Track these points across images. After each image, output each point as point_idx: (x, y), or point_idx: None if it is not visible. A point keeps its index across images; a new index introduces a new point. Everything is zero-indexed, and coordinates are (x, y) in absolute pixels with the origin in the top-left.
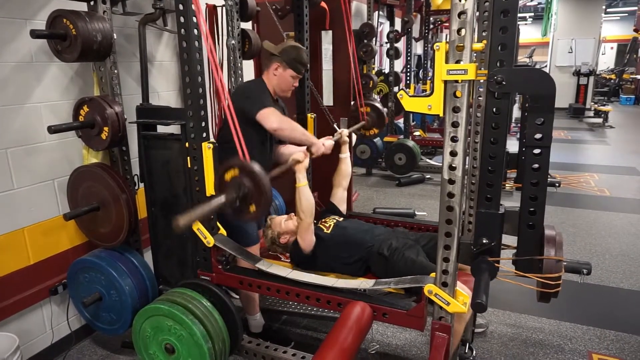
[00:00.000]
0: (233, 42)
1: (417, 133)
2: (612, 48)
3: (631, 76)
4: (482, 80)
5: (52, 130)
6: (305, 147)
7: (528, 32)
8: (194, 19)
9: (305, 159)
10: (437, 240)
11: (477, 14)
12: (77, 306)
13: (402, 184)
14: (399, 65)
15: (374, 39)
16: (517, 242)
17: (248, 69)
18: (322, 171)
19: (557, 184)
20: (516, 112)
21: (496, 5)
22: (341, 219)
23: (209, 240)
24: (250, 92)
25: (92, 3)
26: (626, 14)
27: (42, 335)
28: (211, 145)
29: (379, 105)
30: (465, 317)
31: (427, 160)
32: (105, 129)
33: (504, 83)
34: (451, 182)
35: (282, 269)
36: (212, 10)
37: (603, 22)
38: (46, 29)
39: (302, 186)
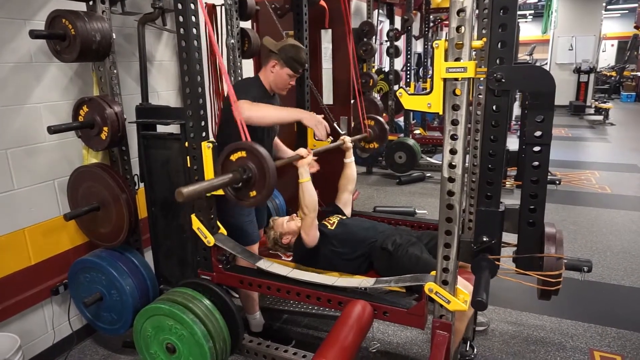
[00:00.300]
0: (232, 41)
1: (417, 131)
2: (612, 45)
3: (632, 73)
4: (481, 78)
5: (52, 130)
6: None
7: (528, 30)
8: (193, 18)
9: (309, 155)
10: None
11: (477, 11)
12: (78, 306)
13: (402, 182)
14: (399, 63)
15: (374, 37)
16: (518, 239)
17: (247, 68)
18: (323, 171)
19: (557, 182)
20: (516, 110)
21: (495, 2)
22: (345, 217)
23: (209, 239)
24: (238, 88)
25: (90, 3)
26: (627, 11)
27: (44, 335)
28: (210, 145)
29: (382, 120)
30: (466, 315)
31: (428, 158)
32: (105, 129)
33: (503, 80)
34: (451, 180)
35: (283, 268)
36: (211, 9)
37: (603, 19)
38: (45, 29)
39: (305, 182)
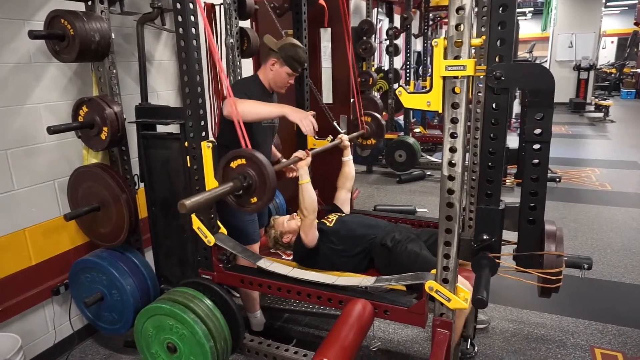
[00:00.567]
0: (232, 40)
1: (417, 130)
2: (612, 42)
3: (632, 70)
4: (481, 76)
5: (52, 130)
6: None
7: (528, 27)
8: (192, 18)
9: (307, 157)
10: (438, 236)
11: (476, 9)
12: (79, 306)
13: (402, 181)
14: (398, 62)
15: (373, 36)
16: (518, 237)
17: (247, 68)
18: (323, 170)
19: (557, 179)
20: (516, 108)
21: (494, 0)
22: (343, 214)
23: (209, 239)
24: (235, 86)
25: (89, 3)
26: (626, 8)
27: (45, 335)
28: (210, 144)
29: (379, 116)
30: (464, 312)
31: (428, 157)
32: (105, 129)
33: (502, 78)
34: (451, 178)
35: (283, 267)
36: (210, 8)
37: (603, 16)
38: (44, 30)
39: (304, 183)
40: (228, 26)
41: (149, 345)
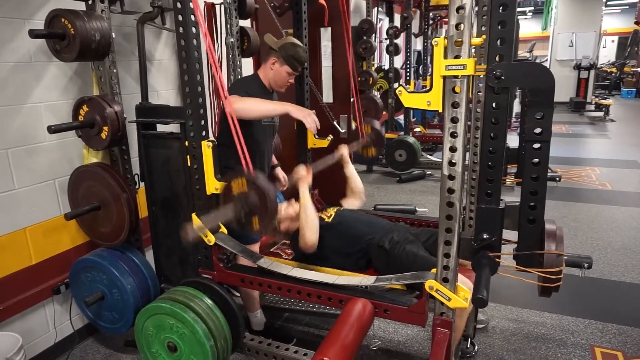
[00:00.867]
0: (232, 40)
1: (417, 129)
2: (613, 41)
3: (632, 69)
4: (481, 76)
5: (52, 130)
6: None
7: (528, 26)
8: (192, 17)
9: (308, 174)
10: (437, 235)
11: (476, 8)
12: (80, 305)
13: (402, 180)
14: (398, 61)
15: (374, 35)
16: (518, 237)
17: (247, 67)
18: (322, 170)
19: (557, 178)
20: (516, 107)
21: None
22: (342, 208)
23: (209, 238)
24: (235, 85)
25: (90, 2)
26: (627, 7)
27: (46, 334)
28: (210, 144)
29: (378, 126)
30: (465, 311)
31: (428, 156)
32: (105, 128)
33: (502, 78)
34: (451, 178)
35: (283, 267)
36: (210, 8)
37: (603, 15)
38: (44, 29)
39: (306, 202)
40: (228, 25)
41: (149, 345)
